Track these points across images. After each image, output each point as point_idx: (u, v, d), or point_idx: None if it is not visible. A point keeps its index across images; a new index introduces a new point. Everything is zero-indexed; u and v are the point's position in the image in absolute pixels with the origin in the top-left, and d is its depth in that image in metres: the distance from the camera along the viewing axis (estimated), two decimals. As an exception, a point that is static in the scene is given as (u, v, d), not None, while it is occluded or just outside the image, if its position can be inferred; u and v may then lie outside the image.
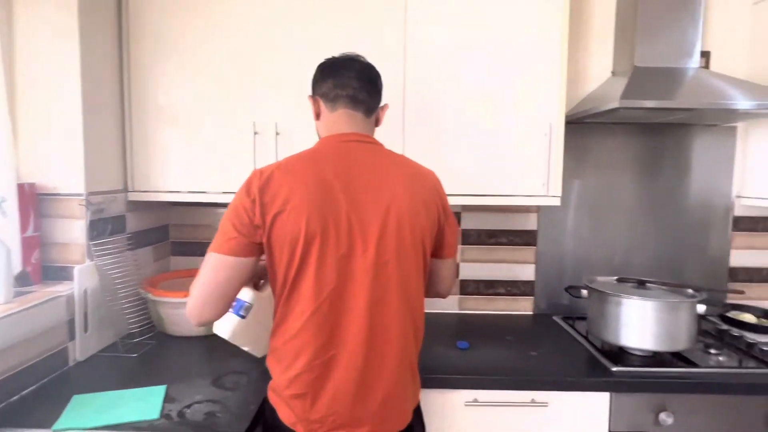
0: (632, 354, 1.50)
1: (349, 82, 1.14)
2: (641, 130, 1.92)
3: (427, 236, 1.13)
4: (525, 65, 1.60)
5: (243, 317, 1.21)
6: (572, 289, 1.65)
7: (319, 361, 1.04)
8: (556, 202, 1.63)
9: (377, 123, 1.23)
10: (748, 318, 1.82)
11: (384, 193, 1.08)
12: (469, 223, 1.97)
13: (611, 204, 1.95)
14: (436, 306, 1.96)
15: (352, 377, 1.05)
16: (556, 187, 1.62)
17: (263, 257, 1.09)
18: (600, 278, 1.66)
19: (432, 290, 1.30)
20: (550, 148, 1.60)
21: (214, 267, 1.04)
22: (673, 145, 1.93)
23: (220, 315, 1.08)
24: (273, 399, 1.11)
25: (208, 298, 1.04)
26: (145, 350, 1.52)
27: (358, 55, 1.19)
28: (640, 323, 1.44)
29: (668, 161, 1.94)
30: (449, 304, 1.99)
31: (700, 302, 1.43)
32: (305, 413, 1.04)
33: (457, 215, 1.96)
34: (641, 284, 1.56)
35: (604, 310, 1.50)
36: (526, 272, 1.99)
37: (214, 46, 1.61)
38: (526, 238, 1.97)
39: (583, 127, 1.91)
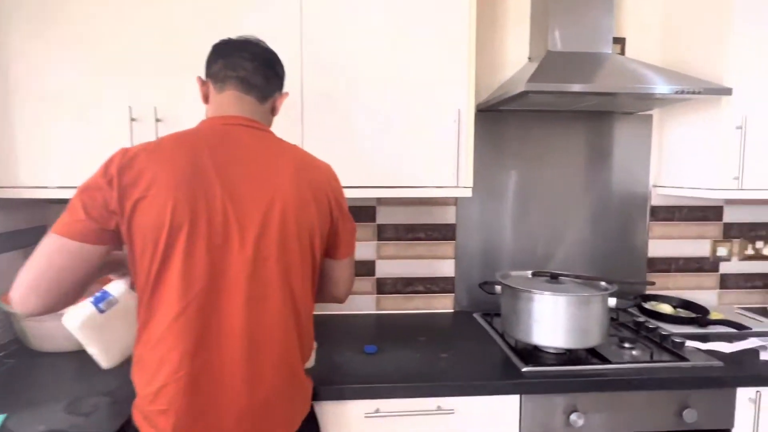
0: (546, 352, 1.42)
1: (242, 63, 1.03)
2: (560, 119, 1.86)
3: (317, 233, 1.02)
4: (433, 47, 1.49)
5: (101, 311, 1.04)
6: (486, 285, 1.56)
7: (186, 370, 0.91)
8: (467, 193, 1.53)
9: (273, 111, 1.13)
10: (665, 309, 1.80)
11: (268, 184, 0.97)
12: (384, 217, 1.85)
13: (532, 195, 1.89)
14: (352, 307, 1.84)
15: (227, 387, 0.93)
16: (467, 178, 1.52)
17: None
18: (514, 273, 1.58)
19: (327, 294, 1.19)
20: (459, 136, 1.50)
21: (51, 250, 0.88)
22: (592, 134, 1.88)
23: (49, 307, 0.90)
24: (137, 418, 0.96)
25: (36, 285, 0.88)
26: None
27: (258, 39, 1.08)
28: (550, 319, 1.36)
29: (588, 150, 1.89)
30: (365, 305, 1.87)
31: (611, 295, 1.37)
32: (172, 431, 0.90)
33: (372, 210, 1.84)
34: (554, 278, 1.49)
35: (516, 307, 1.42)
36: (446, 268, 1.89)
37: (85, 23, 1.41)
38: (444, 232, 1.88)
39: (501, 115, 1.84)
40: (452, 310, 1.90)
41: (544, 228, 1.90)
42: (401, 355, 1.45)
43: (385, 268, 1.87)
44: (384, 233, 1.85)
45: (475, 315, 1.83)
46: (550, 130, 1.87)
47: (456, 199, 1.86)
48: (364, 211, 1.83)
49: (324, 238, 1.06)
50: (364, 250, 1.85)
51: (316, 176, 1.04)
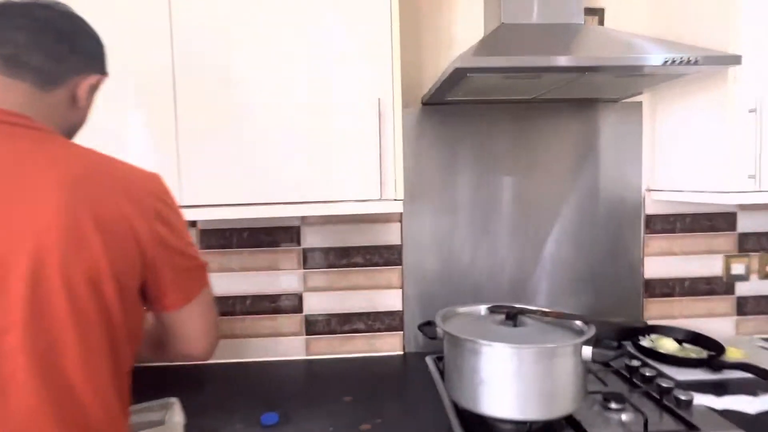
0: (502, 422, 1.05)
1: (10, 35, 0.70)
2: (530, 111, 1.50)
3: (108, 278, 0.66)
4: (344, 19, 1.14)
5: None
6: (428, 327, 1.18)
7: None
8: (397, 207, 1.17)
9: (76, 102, 0.78)
10: (668, 346, 1.42)
11: (13, 214, 0.62)
12: (311, 239, 1.49)
13: (498, 205, 1.52)
14: (275, 352, 1.49)
15: None
16: (396, 188, 1.16)
17: None
18: (463, 309, 1.22)
19: (175, 352, 0.84)
20: (381, 135, 1.14)
21: None
22: (570, 128, 1.52)
23: None
24: None
25: None
26: None
27: (52, 1, 0.74)
28: (502, 380, 0.99)
29: (566, 149, 1.52)
30: (292, 349, 1.51)
31: (587, 342, 1.00)
32: None
33: (295, 231, 1.48)
34: (513, 317, 1.12)
35: (457, 361, 1.05)
36: (391, 300, 1.52)
37: None
38: (387, 256, 1.51)
39: (455, 109, 1.48)
40: (400, 353, 1.53)
41: (513, 246, 1.53)
42: (310, 427, 1.09)
43: (315, 303, 1.51)
44: (312, 260, 1.49)
45: (428, 359, 1.46)
46: (517, 126, 1.51)
47: (400, 213, 1.50)
48: (285, 233, 1.48)
49: (129, 283, 0.70)
50: (288, 280, 1.49)
51: (110, 193, 0.68)
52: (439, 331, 1.14)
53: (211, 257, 1.46)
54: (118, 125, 1.11)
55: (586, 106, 1.51)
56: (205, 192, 1.13)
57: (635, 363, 1.30)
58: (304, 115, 1.14)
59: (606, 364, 1.34)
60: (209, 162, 1.13)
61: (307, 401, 1.21)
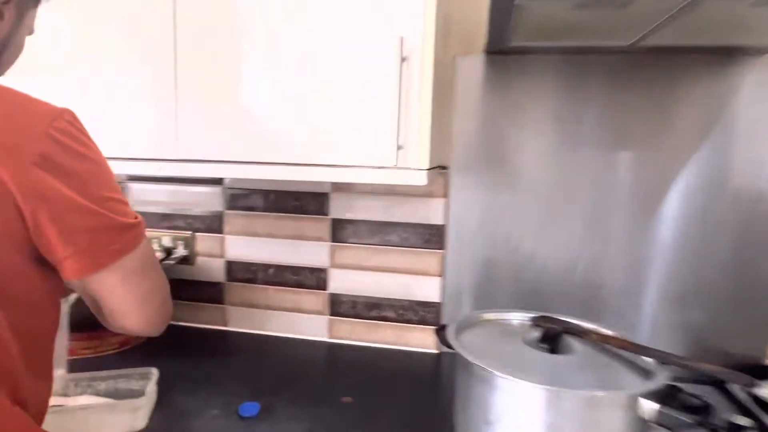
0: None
1: None
2: (626, 65, 1.13)
3: None
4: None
5: None
6: (444, 332, 0.95)
7: None
8: (419, 179, 0.93)
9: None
10: (801, 401, 1.01)
11: None
12: (342, 209, 1.30)
13: (575, 187, 1.19)
14: (295, 330, 1.36)
15: None
16: (419, 156, 0.92)
17: None
18: (491, 315, 0.95)
19: (113, 326, 0.71)
20: (403, 85, 0.89)
21: None
22: (687, 91, 1.12)
23: None
24: None
25: None
26: None
27: None
28: (517, 428, 0.73)
29: (678, 119, 1.13)
30: (314, 329, 1.36)
31: (647, 396, 0.69)
32: None
33: (323, 198, 1.30)
34: (553, 338, 0.83)
35: (464, 387, 0.80)
36: (428, 289, 1.29)
37: None
38: (427, 237, 1.27)
39: (526, 60, 1.16)
40: (434, 351, 1.30)
41: (593, 240, 1.20)
42: (291, 426, 0.93)
43: (342, 281, 1.33)
44: (341, 233, 1.31)
45: (462, 364, 1.22)
46: (611, 85, 1.15)
47: (444, 187, 1.24)
48: (313, 200, 1.31)
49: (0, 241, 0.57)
50: (313, 253, 1.33)
51: None
52: (455, 340, 0.90)
53: (234, 219, 1.35)
54: (112, 68, 1.01)
55: (715, 59, 1.10)
56: (199, 147, 0.99)
57: (742, 421, 0.94)
58: (309, 60, 0.93)
59: (698, 408, 0.99)
60: (204, 114, 0.98)
61: (301, 394, 1.05)
